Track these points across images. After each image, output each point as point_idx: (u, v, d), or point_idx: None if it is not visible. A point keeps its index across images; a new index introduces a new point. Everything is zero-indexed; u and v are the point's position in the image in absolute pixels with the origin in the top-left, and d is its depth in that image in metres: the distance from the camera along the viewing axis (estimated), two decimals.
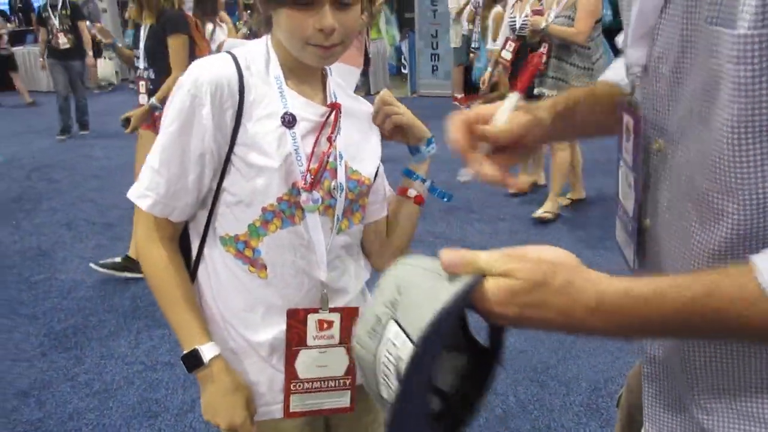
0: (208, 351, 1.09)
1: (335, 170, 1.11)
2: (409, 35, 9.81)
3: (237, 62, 1.05)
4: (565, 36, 3.99)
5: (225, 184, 1.08)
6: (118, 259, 3.71)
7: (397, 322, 0.60)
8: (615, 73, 0.91)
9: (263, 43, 1.10)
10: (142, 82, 3.57)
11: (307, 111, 1.09)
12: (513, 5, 4.83)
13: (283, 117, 1.05)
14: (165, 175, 1.06)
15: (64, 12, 7.17)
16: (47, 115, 8.29)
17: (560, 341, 2.89)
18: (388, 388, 0.60)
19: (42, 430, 2.45)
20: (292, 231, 1.09)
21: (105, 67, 10.78)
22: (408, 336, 0.58)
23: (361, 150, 1.17)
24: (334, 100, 1.13)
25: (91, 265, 3.70)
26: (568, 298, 0.58)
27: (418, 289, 0.60)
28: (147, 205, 1.08)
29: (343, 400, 1.19)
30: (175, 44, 3.41)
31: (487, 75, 5.40)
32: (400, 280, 0.63)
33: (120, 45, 4.10)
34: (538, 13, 4.23)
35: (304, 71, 1.11)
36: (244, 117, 1.04)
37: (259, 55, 1.08)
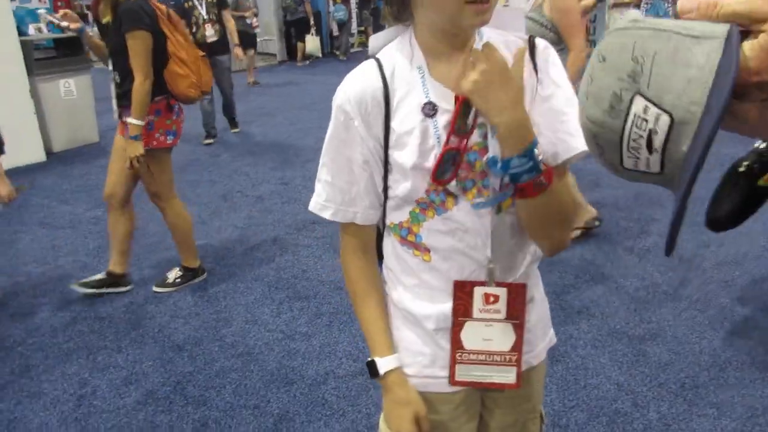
0: (385, 364, 1.16)
1: (486, 148, 1.06)
2: None
3: (381, 68, 1.08)
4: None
5: (388, 182, 1.13)
6: (100, 276, 3.44)
7: (643, 95, 0.56)
8: None
9: (407, 37, 1.10)
10: (112, 86, 3.13)
11: (449, 99, 1.06)
12: None
13: (423, 107, 1.06)
14: (338, 185, 1.13)
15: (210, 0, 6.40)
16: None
17: (713, 357, 2.64)
18: (637, 159, 0.59)
19: (192, 383, 2.68)
20: (446, 217, 1.10)
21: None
22: (662, 108, 0.55)
23: None
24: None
25: (73, 287, 3.41)
26: None
27: (661, 56, 0.56)
28: (329, 214, 1.15)
29: (510, 376, 1.19)
30: (133, 43, 2.92)
31: None
32: (634, 48, 0.57)
33: (90, 33, 3.37)
34: None
35: (451, 52, 1.07)
36: (392, 120, 1.07)
37: (403, 52, 1.09)
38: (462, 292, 1.14)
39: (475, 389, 1.22)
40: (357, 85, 1.08)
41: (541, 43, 1.15)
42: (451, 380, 1.18)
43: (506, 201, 1.11)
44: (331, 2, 13.59)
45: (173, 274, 3.54)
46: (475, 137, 1.07)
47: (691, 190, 0.56)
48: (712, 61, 0.53)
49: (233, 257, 3.89)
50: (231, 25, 6.71)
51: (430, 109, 1.05)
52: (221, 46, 6.44)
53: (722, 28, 0.53)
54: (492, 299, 1.14)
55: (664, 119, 0.55)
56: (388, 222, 1.17)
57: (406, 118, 1.07)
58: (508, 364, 1.18)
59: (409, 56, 1.09)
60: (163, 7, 3.14)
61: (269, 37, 13.33)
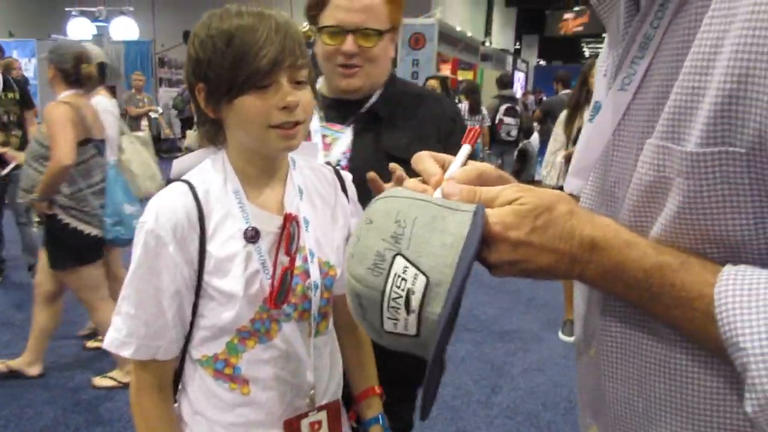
0: None
1: (306, 272, 1.09)
2: None
3: (194, 191, 1.03)
4: None
5: (199, 310, 1.06)
6: None
7: (403, 256, 0.61)
8: None
9: (219, 160, 1.08)
10: None
11: (270, 223, 1.07)
12: None
13: (245, 233, 1.03)
14: (143, 317, 1.03)
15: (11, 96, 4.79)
16: None
17: None
18: (395, 320, 0.62)
19: None
20: (270, 346, 1.07)
21: None
22: (419, 269, 0.60)
23: (329, 236, 1.15)
24: (293, 207, 1.10)
25: None
26: (570, 224, 0.62)
27: (422, 221, 0.62)
28: (131, 351, 1.04)
29: None
30: None
31: None
32: (397, 213, 0.63)
33: None
34: None
35: (265, 177, 1.09)
36: (209, 244, 1.03)
37: (215, 175, 1.07)
38: (290, 430, 1.10)
39: None
40: (169, 207, 1.02)
41: (346, 174, 1.22)
42: None
43: (322, 323, 1.13)
44: None
45: None
46: (297, 261, 1.07)
47: (442, 352, 0.62)
48: (462, 230, 0.60)
49: (22, 377, 3.42)
50: (34, 129, 4.75)
51: (253, 235, 1.03)
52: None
53: (471, 205, 0.63)
54: (316, 426, 1.13)
55: (421, 279, 0.60)
56: (197, 355, 1.09)
57: (227, 244, 1.03)
58: None
59: (222, 179, 1.06)
60: None
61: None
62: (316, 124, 1.43)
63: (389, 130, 1.44)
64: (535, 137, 8.51)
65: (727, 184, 0.57)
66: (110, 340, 1.05)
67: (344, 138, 1.43)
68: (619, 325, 0.71)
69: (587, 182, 0.77)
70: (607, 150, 0.72)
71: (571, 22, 18.22)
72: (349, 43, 1.36)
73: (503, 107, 7.82)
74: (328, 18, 1.37)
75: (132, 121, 8.44)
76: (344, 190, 1.20)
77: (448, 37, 10.43)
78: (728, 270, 0.58)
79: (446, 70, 9.93)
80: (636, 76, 0.67)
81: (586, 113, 0.78)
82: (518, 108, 8.12)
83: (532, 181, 8.33)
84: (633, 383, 0.69)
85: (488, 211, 0.63)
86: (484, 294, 4.89)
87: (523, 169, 9.01)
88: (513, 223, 0.62)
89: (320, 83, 1.49)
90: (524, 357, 3.90)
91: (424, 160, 0.74)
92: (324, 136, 1.44)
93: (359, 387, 1.27)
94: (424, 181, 0.73)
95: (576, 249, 0.62)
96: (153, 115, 8.94)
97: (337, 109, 1.45)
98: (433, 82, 6.53)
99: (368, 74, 1.42)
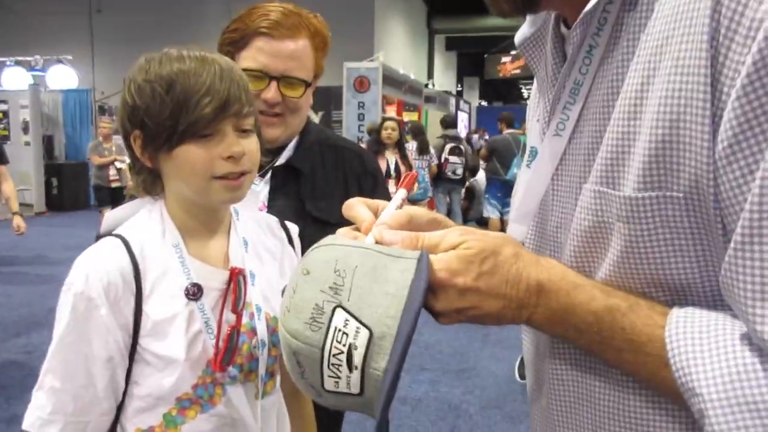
0: None
1: (254, 329, 1.01)
2: None
3: (128, 246, 0.95)
4: None
5: (133, 377, 0.96)
6: None
7: (344, 308, 0.57)
8: None
9: (156, 210, 1.00)
10: None
11: (214, 279, 0.99)
12: None
13: (186, 290, 0.95)
14: (70, 391, 0.92)
15: None
16: None
17: None
18: (337, 379, 0.57)
19: None
20: (213, 413, 0.97)
21: None
22: (361, 322, 0.56)
23: (276, 290, 1.08)
24: (238, 260, 1.03)
25: None
26: (516, 268, 0.61)
27: (362, 271, 0.58)
28: (56, 430, 0.92)
29: None
30: None
31: None
32: (336, 262, 0.59)
33: None
34: None
35: (207, 229, 1.02)
36: (145, 304, 0.94)
37: (152, 227, 0.99)
38: None
39: None
40: (101, 266, 0.92)
41: (292, 226, 1.17)
42: None
43: (269, 383, 1.06)
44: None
45: None
46: (243, 318, 1.00)
47: (388, 410, 0.58)
48: (406, 278, 0.57)
49: None
50: (7, 188, 4.67)
51: (195, 292, 0.95)
52: None
53: (415, 252, 0.59)
54: None
55: (364, 333, 0.56)
56: (130, 428, 0.97)
57: (166, 304, 0.94)
58: None
59: (160, 233, 0.98)
60: None
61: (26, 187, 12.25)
62: None
63: (310, 189, 1.36)
64: (481, 175, 8.68)
65: (667, 228, 0.57)
66: (32, 420, 0.92)
67: (258, 191, 1.33)
68: (569, 371, 0.69)
69: (530, 228, 0.76)
70: (546, 195, 0.72)
71: (509, 65, 18.86)
72: (272, 91, 1.28)
73: (448, 146, 7.99)
74: (249, 60, 1.28)
75: (98, 171, 7.92)
76: (291, 242, 1.15)
77: (391, 79, 10.61)
78: (676, 312, 0.57)
79: (391, 112, 10.08)
80: (569, 122, 0.68)
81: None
82: (462, 147, 8.29)
83: (480, 219, 8.47)
84: (587, 431, 0.67)
85: (432, 257, 0.60)
86: (441, 331, 4.87)
87: (471, 206, 9.17)
88: (459, 269, 0.59)
89: None
90: (481, 395, 3.87)
91: (355, 206, 0.70)
92: None
93: None
94: (357, 229, 0.69)
95: (523, 293, 0.61)
96: (119, 165, 8.05)
97: None
98: (391, 123, 6.62)
99: (289, 124, 1.34)
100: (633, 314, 0.59)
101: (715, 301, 0.58)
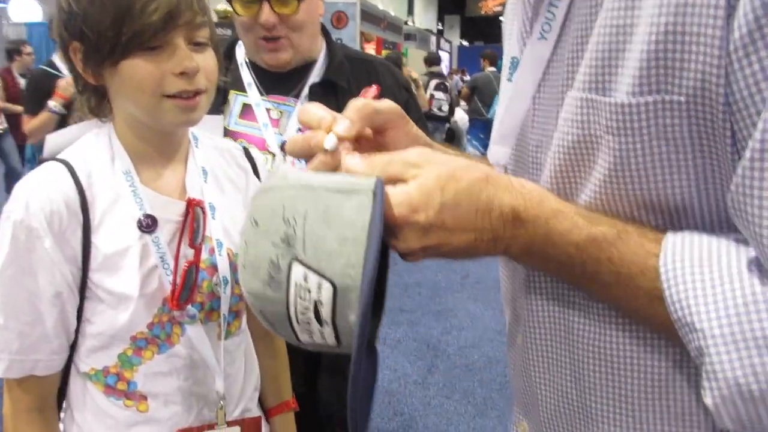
0: None
1: (214, 265, 0.94)
2: None
3: (73, 172, 0.87)
4: None
5: (85, 314, 0.89)
6: None
7: (300, 261, 0.50)
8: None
9: (104, 134, 0.92)
10: None
11: (169, 210, 0.92)
12: None
13: (139, 222, 0.88)
14: (15, 328, 0.86)
15: None
16: None
17: None
18: (310, 332, 0.52)
19: None
20: (171, 354, 0.92)
21: None
22: (322, 275, 0.49)
23: (239, 224, 1.00)
24: (196, 191, 0.95)
25: None
26: (486, 194, 0.52)
27: (314, 215, 0.50)
28: (2, 369, 0.87)
29: None
30: None
31: None
32: (284, 209, 0.51)
33: None
34: None
35: (161, 156, 0.94)
36: (95, 236, 0.86)
37: (100, 152, 0.90)
38: None
39: None
40: (43, 193, 0.84)
41: (257, 154, 1.09)
42: None
43: (234, 323, 0.99)
44: None
45: None
46: (203, 254, 0.93)
47: (360, 369, 0.52)
48: (363, 218, 0.49)
49: None
50: None
51: (148, 224, 0.88)
52: None
53: (368, 182, 0.50)
54: None
55: (327, 287, 0.50)
56: (84, 368, 0.92)
57: (117, 235, 0.87)
58: None
59: (109, 158, 0.90)
60: None
61: None
62: (256, 96, 1.28)
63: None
64: (462, 115, 8.54)
65: (664, 140, 0.49)
66: None
67: (295, 112, 1.29)
68: (546, 305, 0.62)
69: (513, 149, 0.66)
70: (527, 111, 0.62)
71: (491, 2, 18.43)
72: (266, 12, 1.21)
73: (433, 82, 7.82)
74: None
75: None
76: (256, 172, 1.06)
77: (370, 15, 10.31)
78: (671, 238, 0.49)
79: (370, 50, 9.83)
80: (555, 22, 0.58)
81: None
82: (448, 84, 8.13)
83: None
84: (565, 371, 0.61)
85: (388, 190, 0.50)
86: (419, 272, 4.86)
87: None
88: (418, 203, 0.50)
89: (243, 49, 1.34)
90: (459, 335, 3.88)
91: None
92: (268, 110, 1.28)
93: (272, 401, 1.13)
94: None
95: (496, 223, 0.52)
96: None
97: (276, 80, 1.30)
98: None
99: (296, 45, 1.28)
100: (621, 243, 0.51)
101: (713, 223, 0.51)
